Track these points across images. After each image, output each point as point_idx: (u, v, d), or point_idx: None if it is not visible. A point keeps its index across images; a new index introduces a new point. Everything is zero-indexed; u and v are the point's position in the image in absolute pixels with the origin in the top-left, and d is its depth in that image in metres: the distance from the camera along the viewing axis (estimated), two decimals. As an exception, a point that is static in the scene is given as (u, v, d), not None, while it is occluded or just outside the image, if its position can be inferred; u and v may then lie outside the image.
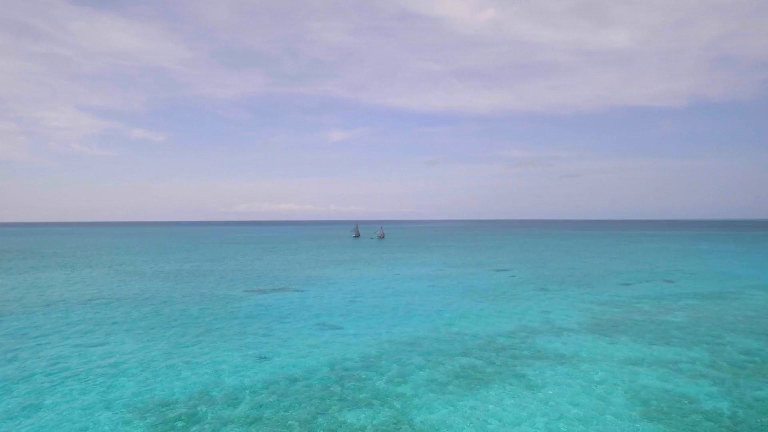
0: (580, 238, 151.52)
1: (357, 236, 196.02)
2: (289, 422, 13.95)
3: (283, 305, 33.91)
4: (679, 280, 46.63)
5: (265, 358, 21.11)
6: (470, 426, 13.87)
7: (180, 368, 19.46)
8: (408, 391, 16.57)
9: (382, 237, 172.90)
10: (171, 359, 20.83)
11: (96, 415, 14.26)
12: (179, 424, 13.64)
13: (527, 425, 13.96)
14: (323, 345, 23.37)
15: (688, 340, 23.72)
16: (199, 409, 14.81)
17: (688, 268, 57.37)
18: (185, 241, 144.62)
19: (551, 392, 16.53)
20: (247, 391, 16.64)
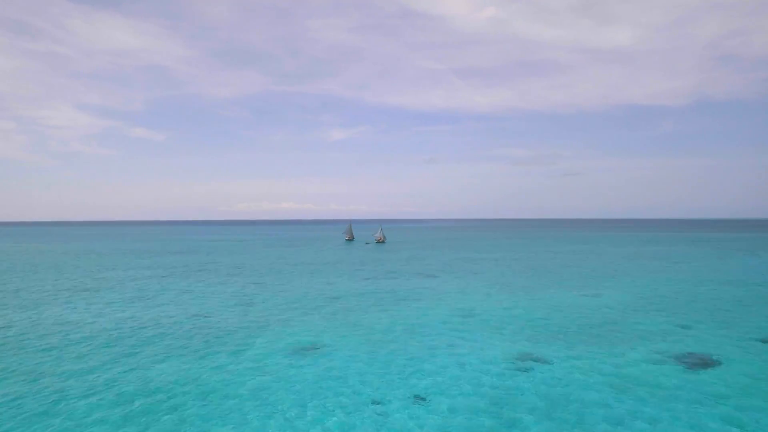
0: (645, 243, 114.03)
1: (350, 239, 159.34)
2: None
3: None
4: None
5: None
6: None
7: None
8: None
9: (381, 241, 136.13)
10: None
11: None
12: None
13: None
14: None
15: None
16: None
17: None
18: (126, 249, 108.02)
19: None
20: None
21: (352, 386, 18.54)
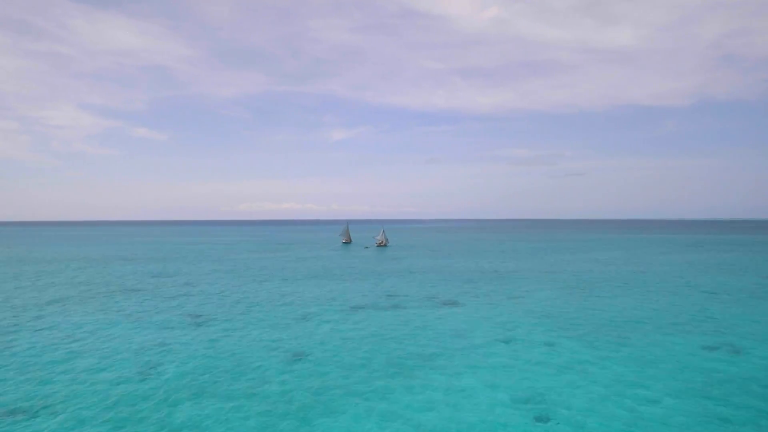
0: (686, 248, 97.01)
1: (347, 242, 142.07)
2: None
3: None
4: None
5: None
6: None
7: None
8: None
9: (383, 245, 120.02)
10: None
11: None
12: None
13: None
14: None
15: None
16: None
17: None
18: (81, 255, 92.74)
19: None
20: None
21: None
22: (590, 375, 19.86)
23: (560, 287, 45.26)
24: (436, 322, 30.06)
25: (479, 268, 63.56)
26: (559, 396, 17.47)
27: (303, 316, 32.24)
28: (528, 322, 30.10)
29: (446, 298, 39.06)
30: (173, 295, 40.74)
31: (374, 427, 15.04)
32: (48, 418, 15.55)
